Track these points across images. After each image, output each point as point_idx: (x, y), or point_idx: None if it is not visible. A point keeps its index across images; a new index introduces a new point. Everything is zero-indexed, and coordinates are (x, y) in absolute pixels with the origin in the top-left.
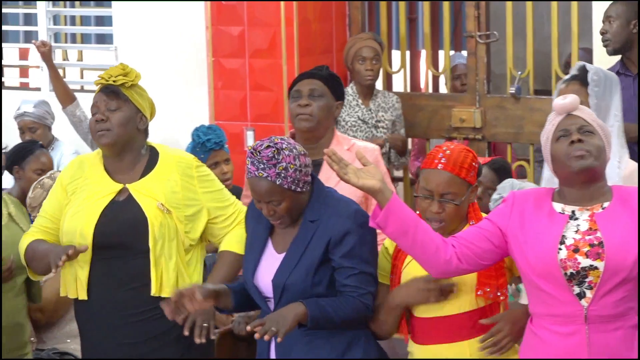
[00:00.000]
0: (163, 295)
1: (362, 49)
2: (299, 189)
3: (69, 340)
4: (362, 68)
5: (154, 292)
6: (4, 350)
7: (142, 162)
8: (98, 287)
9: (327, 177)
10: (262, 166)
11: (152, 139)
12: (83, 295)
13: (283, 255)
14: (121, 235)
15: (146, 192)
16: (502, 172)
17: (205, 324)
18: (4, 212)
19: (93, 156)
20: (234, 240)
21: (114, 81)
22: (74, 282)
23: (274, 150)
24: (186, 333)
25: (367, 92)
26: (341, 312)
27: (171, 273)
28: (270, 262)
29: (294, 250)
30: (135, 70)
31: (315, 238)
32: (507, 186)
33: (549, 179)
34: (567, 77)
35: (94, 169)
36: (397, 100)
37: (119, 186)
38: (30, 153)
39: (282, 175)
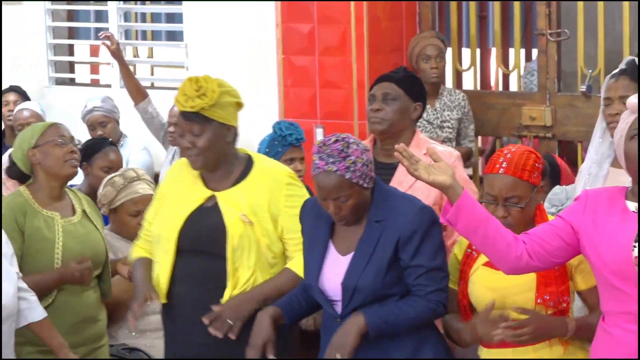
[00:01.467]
0: None
1: (426, 47)
2: (365, 184)
3: (138, 336)
4: (426, 66)
5: (225, 300)
6: (80, 341)
7: (236, 170)
8: (180, 288)
9: (400, 181)
10: (332, 160)
11: None
12: (163, 299)
13: (348, 257)
14: (201, 241)
15: (232, 201)
16: (550, 169)
17: (230, 322)
18: (78, 209)
19: None
20: (300, 263)
21: (191, 107)
22: (156, 285)
23: (343, 144)
24: (206, 321)
25: (433, 90)
26: (406, 315)
27: (248, 284)
28: (335, 264)
29: (362, 251)
30: (213, 83)
31: (384, 238)
32: (562, 196)
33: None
34: (616, 71)
35: (191, 175)
36: (463, 97)
37: (208, 193)
38: (99, 150)
39: (352, 169)
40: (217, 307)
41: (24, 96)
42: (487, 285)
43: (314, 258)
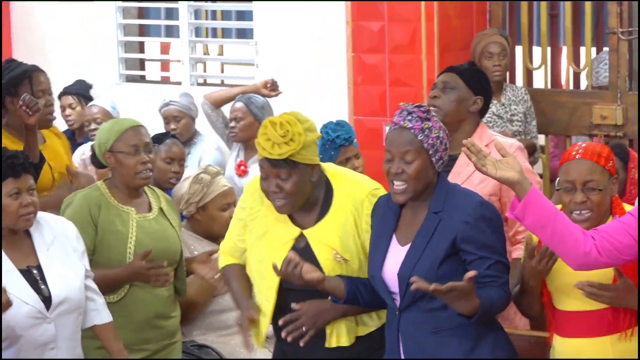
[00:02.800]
0: (339, 344)
1: (488, 44)
2: (434, 159)
3: (207, 333)
4: (489, 64)
5: (327, 344)
6: (152, 337)
7: (318, 202)
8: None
9: (459, 172)
10: (410, 117)
11: None
12: (260, 346)
13: (406, 247)
14: (304, 286)
15: (322, 239)
16: (622, 156)
17: (305, 329)
18: (155, 206)
19: None
20: None
21: (278, 155)
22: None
23: (426, 110)
24: (281, 323)
25: (497, 87)
26: (497, 302)
27: (347, 321)
28: (395, 255)
29: (418, 242)
30: (297, 126)
31: (439, 230)
32: None
33: None
34: None
35: (271, 204)
36: (525, 92)
37: (297, 232)
38: (161, 142)
39: (426, 133)
40: (298, 306)
41: (80, 96)
42: (566, 270)
43: (378, 250)
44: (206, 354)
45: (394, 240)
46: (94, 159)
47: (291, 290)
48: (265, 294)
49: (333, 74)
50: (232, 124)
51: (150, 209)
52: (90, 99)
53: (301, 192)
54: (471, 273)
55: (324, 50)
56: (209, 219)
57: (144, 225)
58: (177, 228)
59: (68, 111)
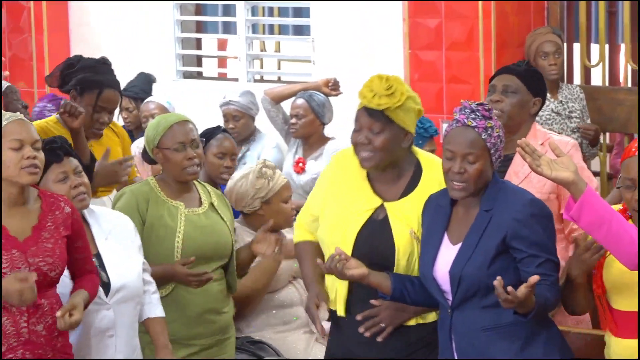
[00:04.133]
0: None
1: (543, 44)
2: (494, 157)
3: (263, 330)
4: (545, 63)
5: None
6: (204, 332)
7: (405, 177)
8: (356, 300)
9: (516, 171)
10: (474, 116)
11: (350, 131)
12: (341, 312)
13: (457, 246)
14: (373, 258)
15: (402, 215)
16: None
17: (383, 325)
18: (206, 201)
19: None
20: None
21: (377, 105)
22: (334, 296)
23: (488, 108)
24: (359, 317)
25: (553, 85)
26: (550, 300)
27: None
28: (447, 253)
29: (470, 240)
30: (402, 85)
31: (490, 227)
32: None
33: None
34: None
35: (355, 173)
36: (580, 90)
37: (378, 202)
38: (212, 137)
39: (489, 132)
40: (378, 303)
41: (137, 100)
42: (622, 268)
43: (430, 248)
44: (262, 350)
45: (446, 238)
46: (145, 155)
47: (360, 260)
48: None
49: (389, 71)
50: (293, 120)
51: (200, 204)
52: (150, 94)
53: (388, 152)
54: (534, 278)
55: (380, 47)
56: (273, 212)
57: (192, 220)
58: (229, 223)
59: (125, 114)
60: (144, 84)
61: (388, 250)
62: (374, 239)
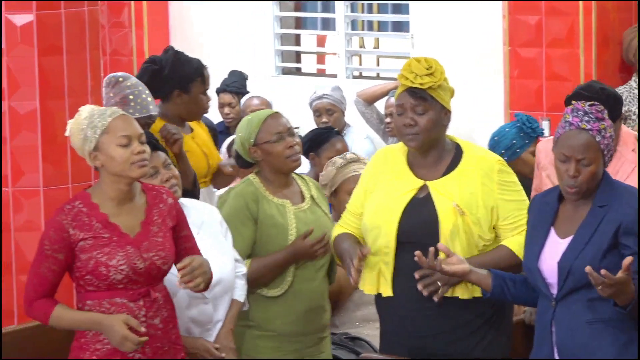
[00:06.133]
0: (455, 295)
1: None
2: (606, 158)
3: (360, 325)
4: None
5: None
6: (309, 330)
7: (446, 159)
8: (400, 281)
9: (616, 171)
10: (587, 119)
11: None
12: (388, 292)
13: (567, 240)
14: (418, 234)
15: (444, 191)
16: None
17: (439, 283)
18: (307, 195)
19: (398, 148)
20: (516, 242)
21: (420, 84)
22: (376, 278)
23: (600, 109)
24: (417, 276)
25: None
26: None
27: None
28: (554, 247)
29: (581, 234)
30: (439, 65)
31: (604, 223)
32: None
33: None
34: None
35: (397, 163)
36: None
37: (420, 183)
38: (326, 140)
39: (602, 134)
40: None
41: (238, 95)
42: None
43: (535, 241)
44: (360, 347)
45: (552, 232)
46: (239, 160)
47: (407, 243)
48: (385, 242)
49: (489, 68)
50: (388, 119)
51: (302, 198)
52: (246, 92)
53: (433, 131)
54: (629, 260)
55: (480, 43)
56: (339, 203)
57: (300, 217)
58: (329, 215)
59: (227, 109)
60: (240, 80)
61: (432, 223)
62: (418, 215)
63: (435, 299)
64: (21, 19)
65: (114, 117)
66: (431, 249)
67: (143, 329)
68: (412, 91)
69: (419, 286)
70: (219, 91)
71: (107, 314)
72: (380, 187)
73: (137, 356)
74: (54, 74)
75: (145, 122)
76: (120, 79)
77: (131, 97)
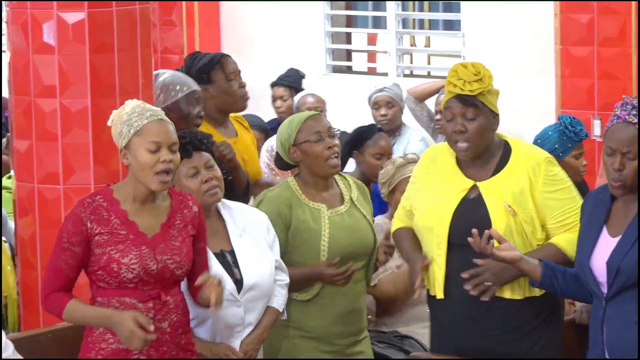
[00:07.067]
0: (504, 295)
1: None
2: None
3: (411, 324)
4: None
5: (499, 293)
6: (345, 331)
7: (495, 158)
8: (452, 282)
9: None
10: (635, 112)
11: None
12: (440, 295)
13: (617, 238)
14: (469, 235)
15: (495, 191)
16: None
17: (489, 283)
18: (347, 196)
19: (447, 147)
20: (564, 239)
21: (470, 91)
22: (429, 279)
23: None
24: (465, 276)
25: None
26: None
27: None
28: (605, 245)
29: (630, 233)
30: (486, 69)
31: None
32: None
33: None
34: None
35: (446, 162)
36: None
37: (470, 183)
38: (369, 137)
39: None
40: (482, 262)
41: (292, 88)
42: None
43: (588, 240)
44: (410, 346)
45: (604, 231)
46: (278, 162)
47: (459, 245)
48: (437, 243)
49: (540, 67)
50: (438, 116)
51: (341, 201)
52: (300, 90)
53: (483, 137)
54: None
55: (531, 42)
56: (396, 202)
57: (336, 221)
58: (369, 217)
59: (279, 102)
60: (295, 77)
61: (484, 225)
62: (469, 216)
63: (484, 298)
64: (73, 17)
65: (151, 120)
66: (486, 232)
67: (152, 327)
68: (461, 97)
69: (467, 286)
70: (272, 85)
71: (119, 310)
72: (430, 187)
73: (141, 357)
74: (105, 71)
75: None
76: (156, 74)
77: (168, 81)
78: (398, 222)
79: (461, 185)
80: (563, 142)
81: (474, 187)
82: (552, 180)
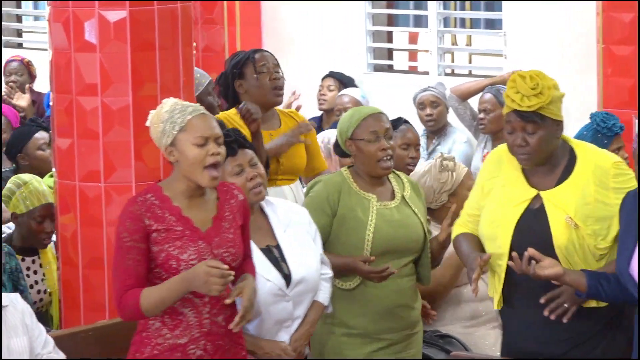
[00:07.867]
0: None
1: None
2: None
3: (452, 324)
4: None
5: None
6: (394, 326)
7: (560, 166)
8: (514, 292)
9: None
10: None
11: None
12: (497, 306)
13: None
14: (533, 246)
15: (558, 203)
16: None
17: (566, 305)
18: (398, 194)
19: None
20: None
21: (528, 107)
22: (492, 290)
23: None
24: (542, 301)
25: None
26: None
27: None
28: None
29: None
30: (546, 79)
31: None
32: None
33: None
34: None
35: (511, 168)
36: None
37: (533, 193)
38: (395, 128)
39: None
40: (558, 283)
41: (341, 83)
42: None
43: (626, 245)
44: (450, 345)
45: None
46: (337, 148)
47: (521, 256)
48: (498, 255)
49: (582, 65)
50: (482, 115)
51: (392, 197)
52: (349, 85)
53: (546, 148)
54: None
55: (573, 41)
56: (462, 201)
57: (384, 214)
58: (421, 215)
59: (324, 91)
60: (348, 78)
61: (545, 238)
62: (531, 228)
63: (565, 320)
64: (114, 15)
65: (194, 115)
66: (526, 254)
67: (226, 267)
68: (519, 113)
69: (545, 312)
70: (324, 77)
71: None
72: (494, 193)
73: (197, 353)
74: (146, 70)
75: (216, 108)
76: None
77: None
78: (460, 227)
79: (525, 194)
80: (598, 139)
81: (537, 197)
82: (622, 189)
